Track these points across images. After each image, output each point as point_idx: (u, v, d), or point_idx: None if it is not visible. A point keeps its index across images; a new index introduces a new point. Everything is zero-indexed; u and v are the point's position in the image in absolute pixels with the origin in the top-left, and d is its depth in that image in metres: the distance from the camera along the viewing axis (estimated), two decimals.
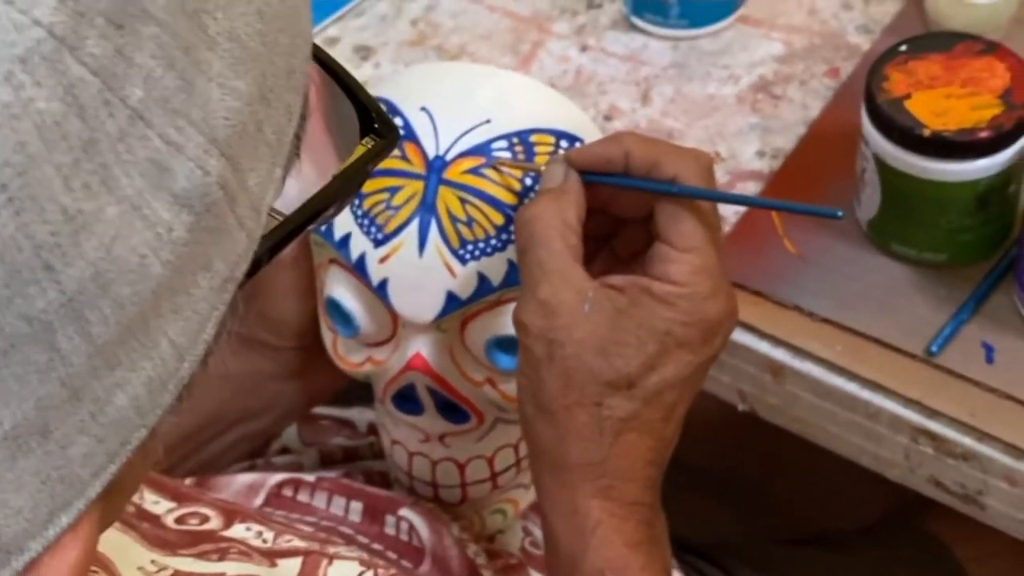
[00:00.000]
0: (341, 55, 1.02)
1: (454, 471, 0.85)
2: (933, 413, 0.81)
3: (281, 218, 0.41)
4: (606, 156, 0.71)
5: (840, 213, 0.67)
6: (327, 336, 0.84)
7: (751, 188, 0.91)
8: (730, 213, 0.89)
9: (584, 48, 1.01)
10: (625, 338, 0.68)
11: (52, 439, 0.35)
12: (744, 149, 0.94)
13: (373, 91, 0.79)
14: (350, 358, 0.83)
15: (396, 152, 0.76)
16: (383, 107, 0.77)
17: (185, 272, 0.36)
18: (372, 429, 1.03)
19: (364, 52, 1.03)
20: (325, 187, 0.43)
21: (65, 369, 0.35)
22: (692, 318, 0.68)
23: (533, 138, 0.76)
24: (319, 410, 1.03)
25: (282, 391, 0.89)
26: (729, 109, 0.96)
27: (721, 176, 0.92)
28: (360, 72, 1.02)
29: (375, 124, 0.44)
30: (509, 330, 0.76)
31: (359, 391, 1.10)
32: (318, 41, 1.03)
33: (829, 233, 0.87)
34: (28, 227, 0.33)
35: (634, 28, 1.02)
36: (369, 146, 0.44)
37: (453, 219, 0.75)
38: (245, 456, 0.92)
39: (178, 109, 0.35)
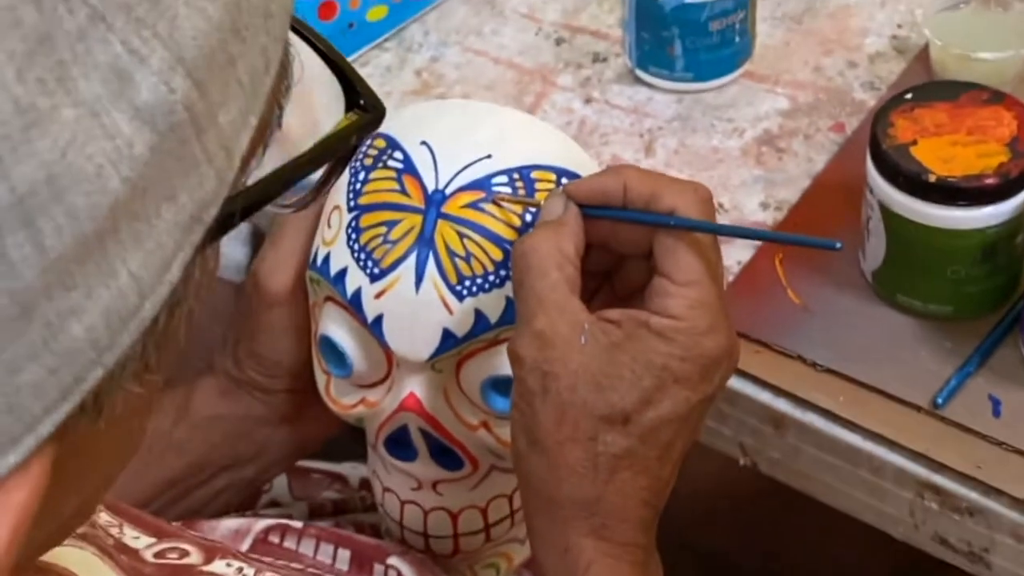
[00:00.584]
0: None
1: (446, 521, 0.83)
2: (938, 466, 0.79)
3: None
4: (604, 188, 0.70)
5: (839, 244, 0.65)
6: (320, 378, 0.82)
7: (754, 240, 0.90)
8: (733, 263, 0.88)
9: (588, 100, 1.01)
10: (621, 372, 0.66)
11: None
12: (748, 201, 0.93)
13: (378, 83, 0.79)
14: (343, 400, 0.81)
15: (395, 186, 0.75)
16: (385, 141, 0.77)
17: (147, 197, 0.35)
18: (363, 484, 1.01)
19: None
20: (306, 152, 0.42)
21: (14, 282, 0.33)
22: (690, 353, 0.67)
23: (534, 174, 0.75)
24: (309, 463, 1.01)
25: (272, 436, 0.87)
26: (733, 161, 0.96)
27: None
28: None
29: (360, 100, 0.43)
30: (505, 370, 0.75)
31: (350, 446, 1.08)
32: None
33: (833, 284, 0.86)
34: None
35: (639, 81, 1.01)
36: (353, 119, 0.43)
37: (451, 254, 0.74)
38: (232, 507, 0.89)
39: (142, 17, 0.34)
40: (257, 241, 1.20)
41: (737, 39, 0.98)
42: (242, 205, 0.38)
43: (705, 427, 0.86)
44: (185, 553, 0.67)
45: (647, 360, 0.66)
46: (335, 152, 0.43)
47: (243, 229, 1.28)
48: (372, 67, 1.04)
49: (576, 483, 0.67)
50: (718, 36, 0.96)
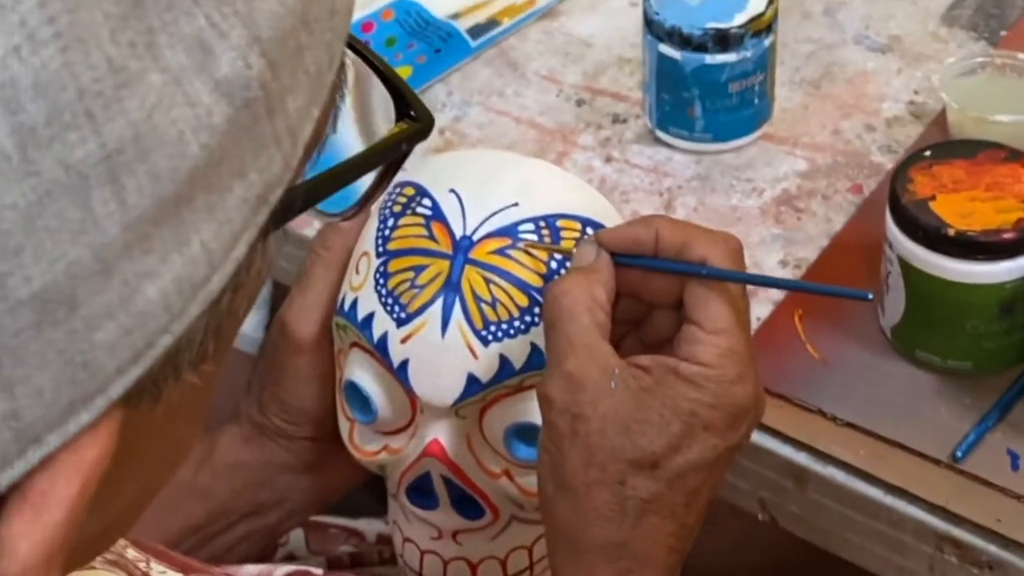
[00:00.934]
0: None
1: (466, 572, 0.83)
2: (958, 520, 0.79)
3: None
4: (636, 237, 0.71)
5: (870, 295, 0.67)
6: (344, 425, 0.83)
7: (774, 296, 0.91)
8: (752, 319, 0.88)
9: (608, 159, 1.02)
10: (650, 416, 0.67)
11: (79, 315, 0.34)
12: (767, 259, 0.94)
13: (401, 177, 0.80)
14: (366, 447, 0.82)
15: (423, 232, 0.76)
16: (414, 189, 0.78)
17: (221, 168, 0.36)
18: (380, 539, 1.02)
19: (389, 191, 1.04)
20: (359, 154, 0.43)
21: (98, 236, 0.34)
22: (719, 400, 0.67)
23: (560, 223, 0.76)
24: (326, 519, 1.02)
25: (294, 484, 0.87)
26: (752, 220, 0.97)
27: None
28: None
29: (411, 111, 0.45)
30: (529, 418, 0.76)
31: (367, 503, 1.08)
32: None
33: (853, 340, 0.87)
34: (73, 67, 0.33)
35: (658, 142, 1.02)
36: (404, 128, 0.44)
37: (477, 299, 0.75)
38: (251, 557, 0.90)
39: None
40: (274, 305, 1.22)
41: (756, 101, 0.99)
42: (300, 197, 0.39)
43: (724, 482, 0.87)
44: None
45: (676, 406, 0.67)
46: (386, 156, 0.44)
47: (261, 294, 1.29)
48: None
49: (603, 526, 0.67)
50: (737, 98, 0.98)
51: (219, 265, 0.36)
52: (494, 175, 0.78)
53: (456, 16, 1.12)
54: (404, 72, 1.08)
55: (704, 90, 0.97)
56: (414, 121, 0.44)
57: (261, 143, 0.37)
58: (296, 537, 0.99)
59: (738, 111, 0.99)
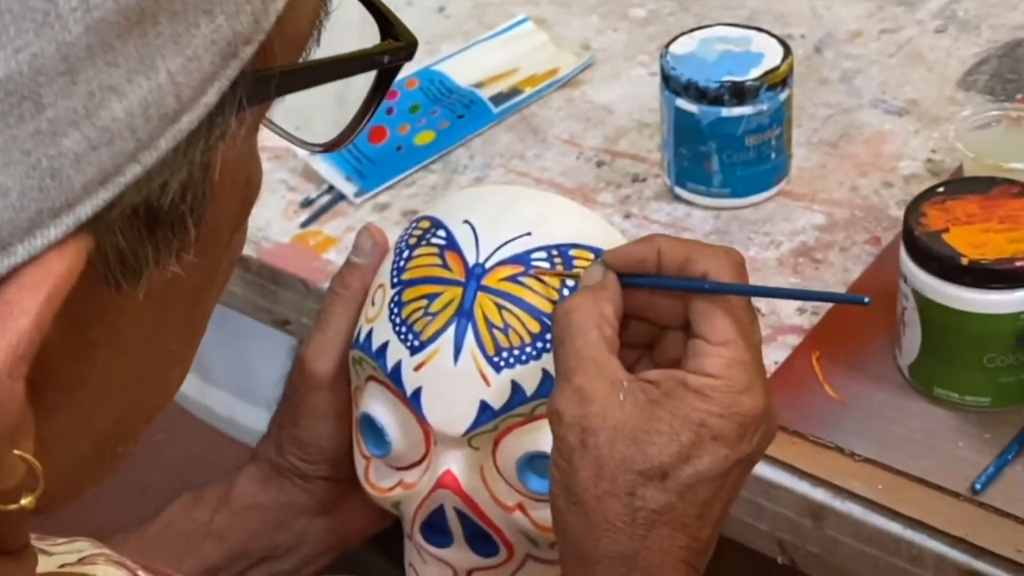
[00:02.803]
0: (388, 218, 1.04)
1: None
2: (979, 552, 0.78)
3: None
4: (639, 256, 0.71)
5: (867, 299, 0.67)
6: (360, 463, 0.83)
7: (791, 341, 0.91)
8: (770, 362, 0.89)
9: (628, 216, 1.03)
10: (659, 427, 0.67)
11: (44, 116, 0.35)
12: (785, 306, 0.94)
13: (423, 202, 0.81)
14: (381, 484, 0.82)
15: (437, 261, 0.77)
16: (429, 222, 0.79)
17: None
18: None
19: (411, 215, 1.05)
20: (341, 55, 0.44)
21: (62, 33, 0.35)
22: (727, 410, 0.67)
23: (572, 252, 0.77)
24: None
25: (310, 527, 0.87)
26: (770, 270, 0.97)
27: (762, 330, 0.92)
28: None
29: (394, 33, 0.46)
30: (541, 447, 0.76)
31: (380, 563, 1.08)
32: (367, 207, 1.06)
33: (871, 380, 0.86)
34: None
35: (677, 199, 1.03)
36: (387, 45, 0.45)
37: (489, 325, 0.75)
38: None
39: None
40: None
41: (773, 156, 1.00)
42: (276, 79, 0.40)
43: (741, 523, 0.86)
44: None
45: (685, 416, 0.67)
46: (365, 65, 0.45)
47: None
48: (418, 186, 1.07)
49: (614, 538, 0.67)
50: (754, 151, 0.99)
51: (188, 105, 0.37)
52: (509, 207, 0.79)
53: (479, 85, 1.14)
54: (427, 136, 1.10)
55: (721, 143, 0.99)
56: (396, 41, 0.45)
57: None
58: None
59: (755, 165, 1.00)
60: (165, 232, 0.39)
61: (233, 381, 1.97)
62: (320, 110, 0.48)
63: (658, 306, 0.72)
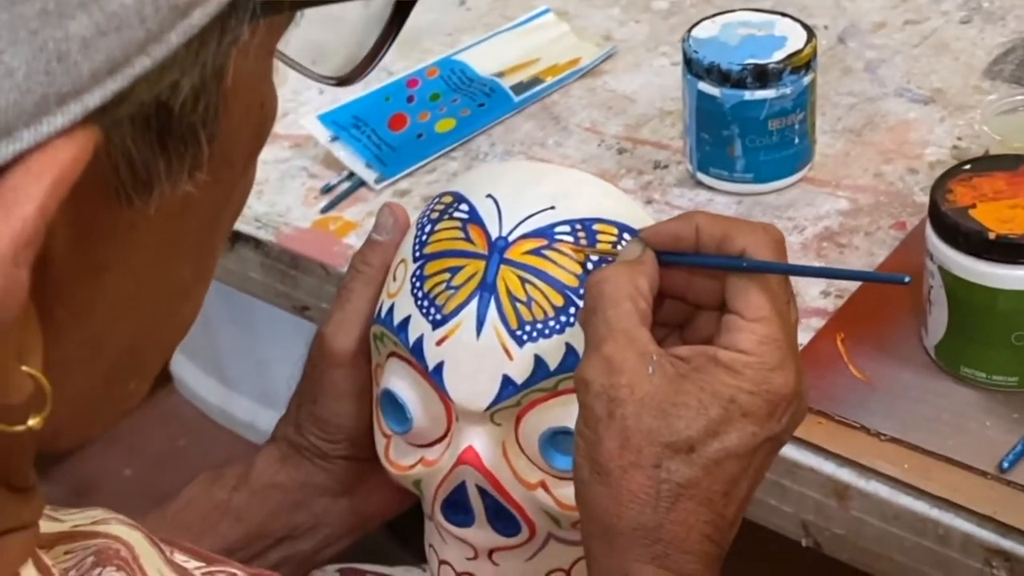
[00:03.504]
0: (409, 204, 1.03)
1: None
2: (1007, 530, 0.77)
3: None
4: (677, 232, 0.71)
5: (907, 279, 0.66)
6: (380, 441, 0.82)
7: (815, 323, 0.90)
8: None
9: (649, 201, 1.02)
10: (687, 401, 0.66)
11: None
12: (809, 289, 0.93)
13: (443, 188, 0.81)
14: (402, 461, 0.81)
15: (460, 234, 0.77)
16: (452, 197, 0.78)
17: None
18: None
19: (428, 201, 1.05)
20: None
21: None
22: (758, 387, 0.66)
23: (596, 227, 0.76)
24: (361, 565, 1.00)
25: (330, 508, 0.86)
26: (794, 255, 0.96)
27: None
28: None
29: None
30: (564, 422, 0.75)
31: (401, 553, 1.07)
32: (387, 193, 1.05)
33: (896, 360, 0.85)
34: None
35: (699, 185, 1.03)
36: None
37: (512, 298, 0.74)
38: None
39: None
40: None
41: (797, 140, 0.99)
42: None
43: (765, 505, 0.85)
44: (233, 574, 0.67)
45: (714, 391, 0.66)
46: None
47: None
48: (439, 173, 1.07)
49: (638, 510, 0.66)
50: (777, 136, 0.98)
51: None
52: (532, 181, 0.78)
53: (500, 74, 1.14)
54: (447, 124, 1.10)
55: (744, 127, 0.98)
56: None
57: None
58: None
59: (779, 150, 0.99)
60: (177, 144, 0.38)
61: (254, 387, 1.97)
62: (335, 46, 0.48)
63: (695, 285, 0.71)
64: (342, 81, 0.48)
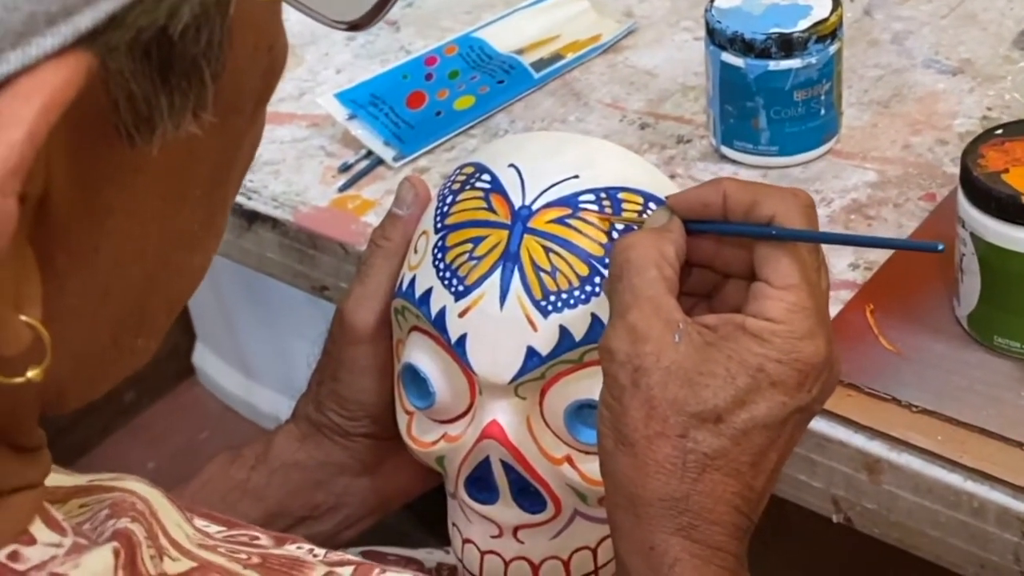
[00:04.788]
0: (428, 181, 1.01)
1: (528, 574, 0.80)
2: None
3: None
4: (704, 199, 0.69)
5: (941, 246, 0.64)
6: (402, 419, 0.81)
7: (844, 295, 0.88)
8: None
9: (673, 176, 1.00)
10: (714, 369, 0.64)
11: None
12: (837, 262, 0.91)
13: (464, 160, 0.79)
14: (424, 438, 0.79)
15: (482, 204, 0.75)
16: (473, 167, 0.77)
17: None
18: (439, 569, 0.98)
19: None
20: None
21: None
22: (787, 356, 0.65)
23: (621, 195, 0.74)
24: (385, 548, 0.99)
25: (351, 487, 0.85)
26: (821, 227, 0.94)
27: None
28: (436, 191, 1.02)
29: None
30: (590, 395, 0.73)
31: (425, 537, 1.05)
32: (406, 171, 1.04)
33: (927, 332, 0.84)
34: None
35: (724, 159, 1.01)
36: None
37: (536, 268, 0.73)
38: None
39: None
40: None
41: (823, 112, 0.98)
42: None
43: (794, 480, 0.83)
44: (255, 537, 0.65)
45: (742, 360, 0.64)
46: None
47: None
48: (458, 151, 1.05)
49: (663, 480, 0.64)
50: (803, 107, 0.96)
51: None
52: (555, 150, 0.76)
53: (520, 51, 1.12)
54: (466, 102, 1.08)
55: (768, 98, 0.96)
56: None
57: None
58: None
59: (804, 122, 0.97)
60: (180, 80, 0.37)
61: (277, 378, 1.96)
62: None
63: (723, 253, 0.70)
64: (353, 26, 0.46)
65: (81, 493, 0.47)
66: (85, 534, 0.43)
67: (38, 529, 0.42)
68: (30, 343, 0.37)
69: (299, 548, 0.63)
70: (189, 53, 0.37)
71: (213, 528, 0.65)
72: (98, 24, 0.35)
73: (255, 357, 2.00)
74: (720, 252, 0.70)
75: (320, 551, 0.63)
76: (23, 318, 0.37)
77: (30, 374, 0.38)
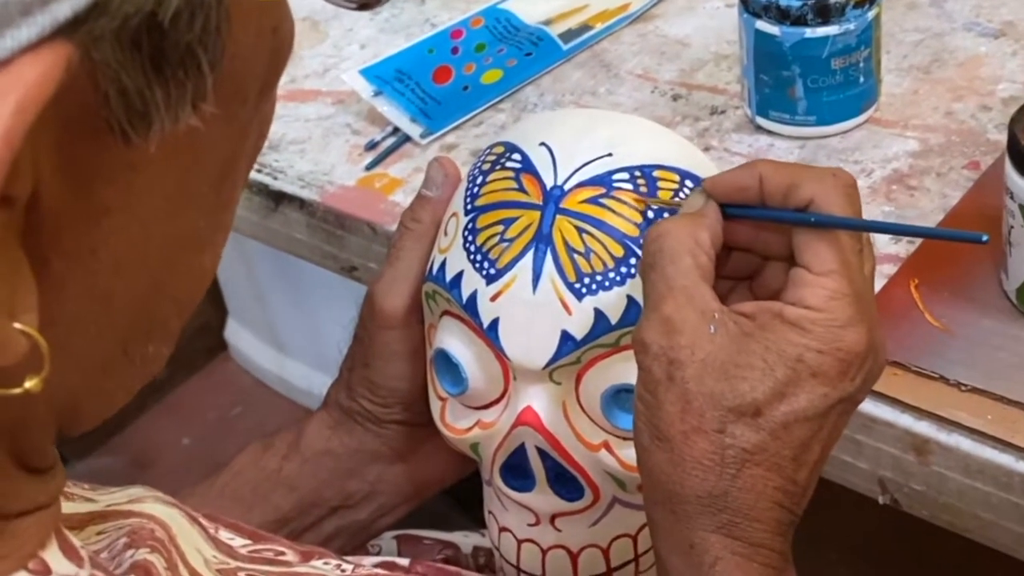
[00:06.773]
0: (456, 158, 1.00)
1: (565, 562, 0.78)
2: None
3: None
4: (740, 184, 0.66)
5: (985, 238, 0.61)
6: (435, 405, 0.79)
7: (887, 270, 0.86)
8: None
9: (707, 149, 0.98)
10: (752, 361, 0.62)
11: None
12: (879, 235, 0.88)
13: (490, 141, 0.77)
14: (458, 424, 0.78)
15: (513, 185, 0.73)
16: (503, 147, 0.74)
17: None
18: (476, 552, 0.97)
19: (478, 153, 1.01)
20: None
21: None
22: (827, 346, 0.62)
23: (657, 173, 0.72)
24: (420, 532, 0.97)
25: (384, 474, 0.83)
26: (862, 199, 0.91)
27: None
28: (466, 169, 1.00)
29: None
30: (627, 379, 0.71)
31: (461, 520, 1.04)
32: (433, 148, 1.01)
33: (975, 307, 0.81)
34: None
35: (759, 130, 0.98)
36: None
37: (570, 250, 0.71)
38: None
39: None
40: None
41: (861, 80, 0.95)
42: None
43: (839, 462, 0.81)
44: (281, 553, 0.63)
45: (781, 350, 0.62)
46: None
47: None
48: (486, 126, 1.03)
49: (701, 476, 0.62)
50: (841, 75, 0.94)
51: None
52: (587, 128, 0.74)
53: (547, 23, 1.10)
54: (494, 75, 1.06)
55: (805, 67, 0.93)
56: None
57: None
58: (388, 548, 0.94)
59: (842, 91, 0.94)
60: (175, 70, 0.34)
61: (309, 353, 1.95)
62: None
63: (762, 236, 0.67)
64: (363, 4, 0.43)
65: (98, 519, 0.45)
66: (102, 565, 0.41)
67: (54, 557, 0.40)
68: (27, 352, 0.35)
69: (325, 564, 0.61)
70: (183, 40, 0.35)
71: (238, 541, 0.63)
72: (79, 12, 0.33)
73: (287, 332, 1.98)
74: (759, 235, 0.68)
75: (348, 566, 0.61)
76: (17, 326, 0.35)
77: (28, 384, 0.36)
